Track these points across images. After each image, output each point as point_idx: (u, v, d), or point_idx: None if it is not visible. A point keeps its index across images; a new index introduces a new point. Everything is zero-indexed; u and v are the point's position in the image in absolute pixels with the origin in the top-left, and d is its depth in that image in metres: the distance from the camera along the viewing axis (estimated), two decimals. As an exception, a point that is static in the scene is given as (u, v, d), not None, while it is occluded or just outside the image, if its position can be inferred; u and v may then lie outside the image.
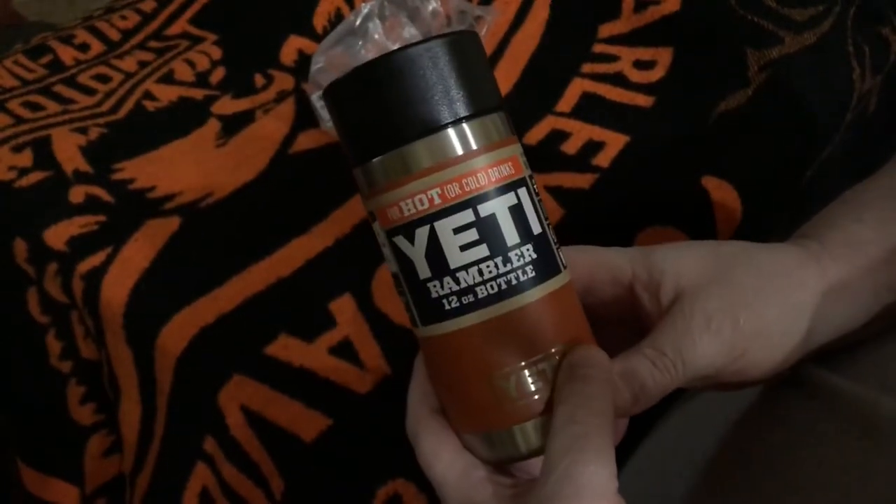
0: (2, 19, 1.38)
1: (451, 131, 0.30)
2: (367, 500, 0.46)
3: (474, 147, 0.30)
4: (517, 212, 0.30)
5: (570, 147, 0.58)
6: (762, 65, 0.59)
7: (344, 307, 0.50)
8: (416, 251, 0.31)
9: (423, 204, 0.30)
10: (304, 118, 0.61)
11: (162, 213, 0.56)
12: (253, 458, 0.48)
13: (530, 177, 0.32)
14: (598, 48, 0.65)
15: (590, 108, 0.61)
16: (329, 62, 0.59)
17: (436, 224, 0.30)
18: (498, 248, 0.30)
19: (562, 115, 0.61)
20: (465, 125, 0.31)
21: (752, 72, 0.60)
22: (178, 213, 0.56)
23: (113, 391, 0.56)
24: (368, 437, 0.47)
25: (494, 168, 0.30)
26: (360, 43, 0.60)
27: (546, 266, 0.31)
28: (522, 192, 0.31)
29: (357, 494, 0.46)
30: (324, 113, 0.59)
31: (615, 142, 0.58)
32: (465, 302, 0.30)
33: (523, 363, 0.30)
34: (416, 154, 0.30)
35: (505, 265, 0.30)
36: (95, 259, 0.54)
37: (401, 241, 0.31)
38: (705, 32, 0.63)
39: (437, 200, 0.30)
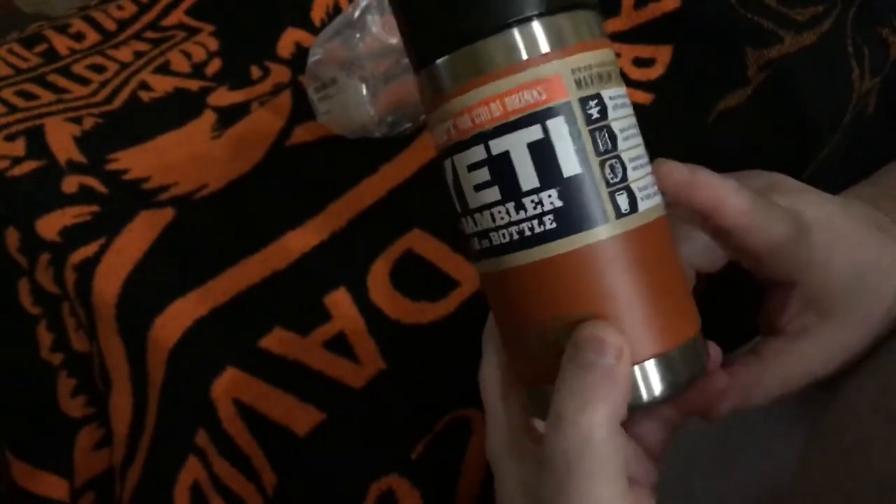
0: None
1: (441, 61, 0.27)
2: (361, 495, 0.45)
3: (480, 73, 0.26)
4: (540, 149, 0.26)
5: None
6: (761, 64, 0.59)
7: (339, 301, 0.50)
8: (448, 182, 0.28)
9: (444, 136, 0.28)
10: (301, 111, 0.61)
11: (156, 204, 0.56)
12: (245, 452, 0.48)
13: (588, 98, 0.26)
14: None
15: None
16: (326, 55, 0.58)
17: (453, 158, 0.27)
18: (510, 192, 0.26)
19: None
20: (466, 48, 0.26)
21: (752, 71, 0.60)
22: (173, 205, 0.56)
23: (104, 384, 0.56)
24: (362, 432, 0.47)
25: (513, 96, 0.26)
26: (357, 36, 0.60)
27: (578, 216, 0.26)
28: (555, 122, 0.26)
29: (350, 490, 0.46)
30: (320, 106, 0.58)
31: None
32: (484, 246, 0.28)
33: (544, 321, 0.27)
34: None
35: (518, 212, 0.26)
36: (88, 250, 0.54)
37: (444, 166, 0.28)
38: (705, 31, 0.62)
39: (452, 133, 0.27)
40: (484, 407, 0.31)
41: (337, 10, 0.67)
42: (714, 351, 0.32)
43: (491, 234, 0.27)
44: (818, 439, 0.34)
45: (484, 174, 0.26)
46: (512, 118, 0.26)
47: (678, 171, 0.29)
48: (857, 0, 0.63)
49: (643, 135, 0.29)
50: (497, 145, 0.26)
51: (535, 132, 0.26)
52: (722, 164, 0.55)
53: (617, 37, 0.65)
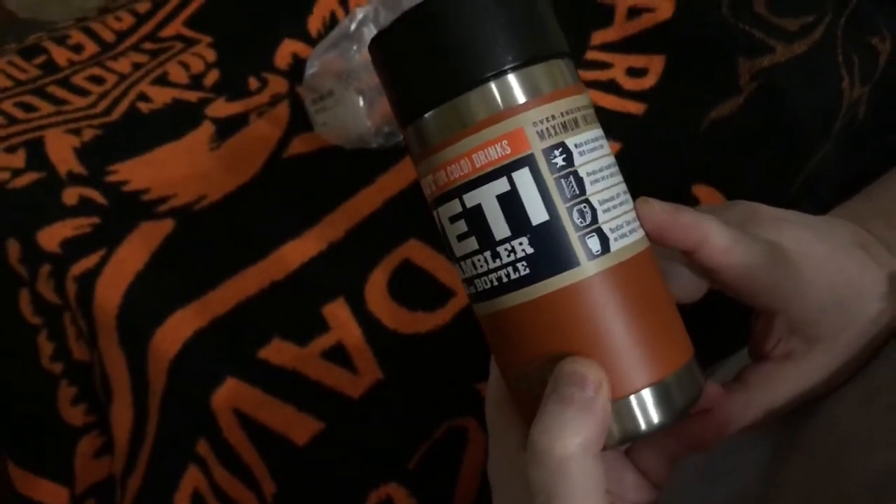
0: (-6, 17, 1.38)
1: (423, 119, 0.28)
2: (360, 503, 0.46)
3: (449, 133, 0.28)
4: (509, 200, 0.27)
5: (564, 154, 0.59)
6: (753, 73, 0.60)
7: (337, 311, 0.51)
8: (439, 230, 0.30)
9: (429, 188, 0.29)
10: (299, 121, 0.61)
11: (156, 215, 0.57)
12: (245, 461, 0.48)
13: (551, 148, 0.27)
14: (591, 55, 0.65)
15: None
16: (323, 67, 0.59)
17: (438, 210, 0.29)
18: (486, 241, 0.28)
19: None
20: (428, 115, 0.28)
21: (744, 80, 0.60)
22: (172, 216, 0.56)
23: (105, 393, 0.56)
24: (360, 442, 0.47)
25: (479, 152, 0.27)
26: (354, 47, 0.61)
27: (549, 261, 0.27)
28: (520, 174, 0.27)
29: (349, 498, 0.46)
30: (317, 117, 0.59)
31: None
32: (471, 291, 0.29)
33: (529, 361, 0.28)
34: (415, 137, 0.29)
35: (494, 260, 0.28)
36: (89, 261, 0.54)
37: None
38: (697, 40, 0.63)
39: (433, 187, 0.29)
40: (487, 424, 0.32)
41: (333, 21, 0.68)
42: (713, 388, 0.33)
43: (475, 281, 0.29)
44: (798, 448, 0.35)
45: (462, 226, 0.28)
46: (481, 173, 0.27)
47: (660, 212, 0.30)
48: (847, 9, 0.64)
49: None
50: (470, 198, 0.27)
51: (502, 185, 0.27)
52: (714, 172, 0.56)
53: (610, 47, 0.65)
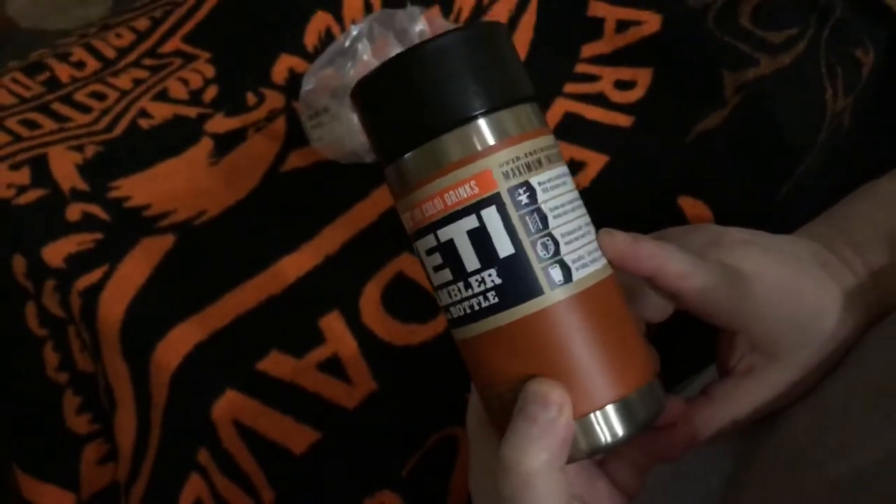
0: (-4, 26, 1.39)
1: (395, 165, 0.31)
2: (355, 511, 0.48)
3: (424, 174, 0.30)
4: (478, 235, 0.29)
5: (552, 166, 0.60)
6: (738, 86, 0.61)
7: (332, 324, 0.52)
8: (419, 262, 0.32)
9: (408, 223, 0.32)
10: (295, 137, 0.63)
11: (157, 230, 0.58)
12: (244, 470, 0.50)
13: (516, 187, 0.30)
14: (581, 68, 0.67)
15: (572, 128, 0.63)
16: (319, 84, 0.61)
17: (416, 243, 0.32)
18: (458, 273, 0.30)
19: None
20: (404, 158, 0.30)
21: (729, 93, 0.62)
22: (173, 231, 0.58)
23: (109, 403, 0.58)
24: (356, 450, 0.49)
25: (451, 192, 0.30)
26: (349, 64, 0.62)
27: (515, 290, 0.29)
28: (488, 212, 0.29)
29: (345, 505, 0.48)
30: (313, 133, 0.61)
31: (595, 162, 0.60)
32: (448, 318, 0.32)
33: (499, 383, 0.31)
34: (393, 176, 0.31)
35: (466, 290, 0.30)
36: (93, 276, 0.56)
37: None
38: (683, 54, 0.64)
39: (411, 223, 0.31)
40: (468, 439, 0.34)
41: (329, 36, 0.69)
42: (678, 403, 0.35)
43: (451, 309, 0.31)
44: (757, 458, 0.36)
45: (438, 258, 0.30)
46: (452, 210, 0.30)
47: (620, 242, 0.32)
48: (831, 22, 0.65)
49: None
50: (443, 234, 0.30)
51: (471, 221, 0.29)
52: (700, 183, 0.58)
53: (599, 59, 0.67)
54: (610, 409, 0.30)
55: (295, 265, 0.55)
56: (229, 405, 0.50)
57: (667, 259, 0.33)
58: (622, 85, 0.65)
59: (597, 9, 0.69)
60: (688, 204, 0.56)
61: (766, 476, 0.35)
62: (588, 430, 0.30)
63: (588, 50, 0.68)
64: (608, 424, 0.30)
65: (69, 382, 0.62)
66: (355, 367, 0.51)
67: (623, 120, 0.63)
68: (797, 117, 0.61)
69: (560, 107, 0.65)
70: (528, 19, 0.70)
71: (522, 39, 0.69)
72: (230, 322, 0.53)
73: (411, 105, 0.30)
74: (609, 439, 0.30)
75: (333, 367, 0.51)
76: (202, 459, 0.51)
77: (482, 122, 0.30)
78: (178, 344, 0.52)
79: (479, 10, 0.70)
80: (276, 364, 0.51)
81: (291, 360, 0.51)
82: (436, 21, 0.67)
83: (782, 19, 0.64)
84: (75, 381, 0.62)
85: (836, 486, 0.30)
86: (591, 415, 0.30)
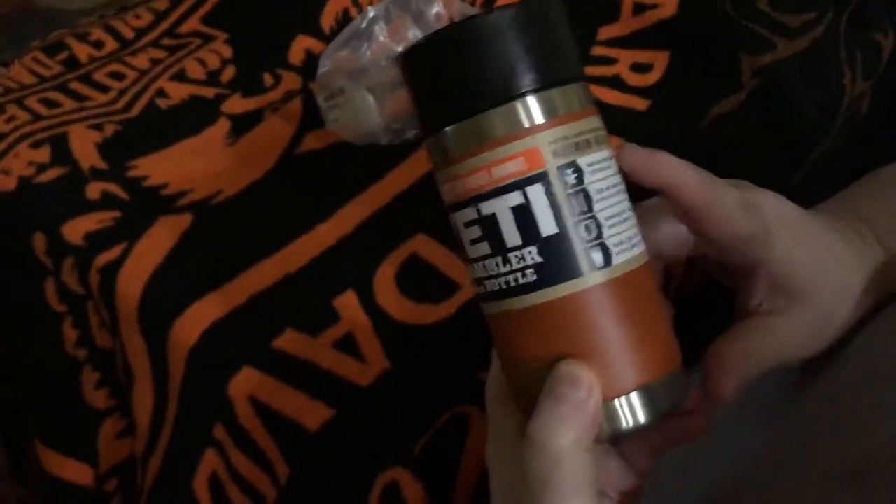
0: (15, 5, 1.40)
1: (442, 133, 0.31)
2: (367, 486, 0.48)
3: (471, 146, 0.30)
4: (522, 212, 0.30)
5: (568, 149, 0.60)
6: (755, 70, 0.61)
7: (347, 303, 0.53)
8: (454, 233, 0.32)
9: (448, 195, 0.32)
10: (311, 118, 0.63)
11: (174, 209, 0.59)
12: (260, 445, 0.51)
13: (564, 166, 0.30)
14: (598, 50, 0.67)
15: None
16: (335, 65, 0.61)
17: (454, 215, 0.32)
18: (497, 247, 0.30)
19: None
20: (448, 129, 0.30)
21: (745, 77, 0.61)
22: (190, 210, 0.59)
23: (126, 379, 0.59)
24: (369, 428, 0.50)
25: (497, 166, 0.30)
26: (364, 46, 0.62)
27: (556, 270, 0.30)
28: (534, 189, 0.29)
29: (357, 481, 0.49)
30: (329, 114, 0.61)
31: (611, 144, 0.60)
32: (480, 291, 0.32)
33: (529, 360, 0.31)
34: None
35: (504, 265, 0.30)
36: (111, 254, 0.57)
37: None
38: (700, 37, 0.64)
39: (452, 194, 0.31)
40: (487, 412, 0.34)
41: (346, 17, 0.70)
42: (693, 392, 0.35)
43: (485, 282, 0.31)
44: (796, 418, 0.36)
45: (476, 231, 0.30)
46: (498, 185, 0.30)
47: (638, 153, 0.33)
48: (850, 5, 0.64)
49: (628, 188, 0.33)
50: (486, 207, 0.30)
51: (516, 197, 0.30)
52: (715, 167, 0.57)
53: (615, 42, 0.67)
54: (634, 395, 0.31)
55: (310, 245, 0.56)
56: (245, 382, 0.50)
57: (683, 171, 0.33)
58: (638, 68, 0.65)
59: (614, -9, 0.69)
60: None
61: (780, 457, 0.35)
62: (612, 414, 0.31)
63: (605, 32, 0.67)
64: (632, 410, 0.31)
65: (88, 358, 0.63)
66: (369, 346, 0.51)
67: (639, 103, 0.63)
68: (814, 102, 0.61)
69: (577, 90, 0.65)
70: (545, 1, 0.70)
71: (539, 22, 0.69)
72: (247, 300, 0.53)
73: (464, 76, 0.30)
74: (631, 425, 0.31)
75: (348, 345, 0.51)
76: (218, 435, 0.52)
77: (534, 99, 0.30)
78: (195, 321, 0.53)
79: (496, -9, 0.70)
80: (291, 342, 0.51)
81: (306, 338, 0.51)
82: (453, 4, 0.67)
83: (800, 3, 0.64)
84: (94, 357, 0.63)
85: (846, 472, 0.30)
86: (616, 400, 0.31)
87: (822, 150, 0.63)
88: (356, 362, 0.51)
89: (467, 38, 0.30)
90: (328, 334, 0.52)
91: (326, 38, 0.68)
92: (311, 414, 0.50)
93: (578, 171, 0.30)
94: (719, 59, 0.62)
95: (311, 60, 0.67)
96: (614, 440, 0.33)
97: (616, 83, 0.64)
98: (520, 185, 0.30)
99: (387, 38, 0.64)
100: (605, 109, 0.63)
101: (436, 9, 0.65)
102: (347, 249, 0.55)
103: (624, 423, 0.31)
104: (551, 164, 0.30)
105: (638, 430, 0.31)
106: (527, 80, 0.30)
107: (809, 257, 0.35)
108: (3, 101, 0.66)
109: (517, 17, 0.30)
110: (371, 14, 0.64)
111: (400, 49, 0.64)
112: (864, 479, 0.30)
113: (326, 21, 0.69)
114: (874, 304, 0.37)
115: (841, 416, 0.33)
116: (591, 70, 0.65)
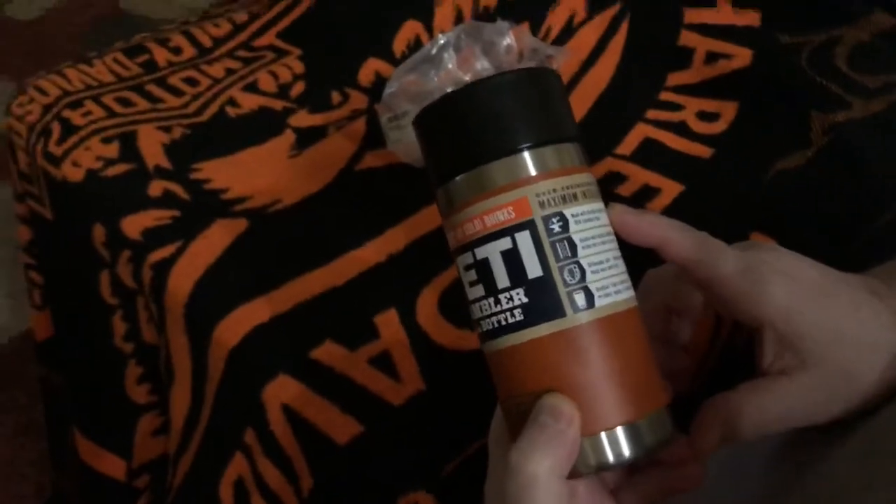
0: (108, 14, 1.47)
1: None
2: (389, 506, 0.48)
3: (469, 196, 0.33)
4: (510, 256, 0.32)
5: (626, 190, 0.60)
6: (826, 128, 0.60)
7: (388, 321, 0.53)
8: (458, 276, 0.34)
9: (452, 240, 0.34)
10: (373, 137, 0.64)
11: (231, 214, 0.60)
12: (287, 454, 0.51)
13: (550, 216, 0.32)
14: (665, 96, 0.66)
15: (649, 154, 0.62)
16: (402, 88, 0.62)
17: (457, 259, 0.34)
18: (490, 289, 0.32)
19: (621, 157, 0.62)
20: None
21: (815, 134, 0.60)
22: (247, 216, 0.60)
23: (167, 375, 0.60)
24: (396, 447, 0.49)
25: (490, 215, 0.32)
26: (433, 71, 0.63)
27: (540, 310, 0.32)
28: (522, 236, 0.32)
29: (379, 500, 0.48)
30: (391, 134, 0.62)
31: (670, 189, 0.60)
32: (478, 331, 0.34)
33: (520, 395, 0.33)
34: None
35: (496, 305, 0.32)
36: (166, 251, 0.58)
37: None
38: (773, 90, 0.63)
39: (454, 240, 0.34)
40: (489, 453, 0.35)
41: (418, 43, 0.71)
42: (685, 443, 0.35)
43: (481, 322, 0.33)
44: (793, 492, 0.35)
45: (473, 274, 0.33)
46: (490, 231, 0.32)
47: (628, 214, 0.34)
48: (931, 70, 0.63)
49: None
50: (480, 252, 0.32)
51: (506, 243, 0.32)
52: (774, 222, 0.56)
53: (684, 89, 0.66)
54: (619, 430, 0.32)
55: (359, 260, 0.56)
56: (280, 388, 0.51)
57: (672, 231, 0.34)
58: (705, 116, 0.64)
59: (688, 38, 0.68)
60: (759, 240, 0.55)
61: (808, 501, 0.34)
62: (597, 447, 0.32)
63: (674, 79, 0.67)
64: (616, 445, 0.32)
65: (133, 352, 0.64)
66: (405, 366, 0.51)
67: (703, 151, 0.62)
68: (886, 166, 0.59)
69: (640, 132, 0.64)
70: (618, 42, 0.70)
71: (608, 63, 0.69)
72: (291, 308, 0.54)
73: (465, 134, 0.33)
74: (615, 458, 0.32)
75: (384, 363, 0.51)
76: (248, 439, 0.52)
77: (526, 155, 0.32)
78: (239, 323, 0.53)
79: (569, 29, 0.71)
80: (329, 354, 0.52)
81: (344, 351, 0.52)
82: (524, 38, 0.67)
83: (880, 64, 0.63)
84: (139, 351, 0.64)
85: None
86: (602, 434, 0.32)
87: (887, 218, 0.61)
88: (391, 381, 0.51)
89: (471, 99, 0.33)
90: (366, 350, 0.52)
91: (397, 62, 0.69)
92: (341, 427, 0.50)
93: (564, 221, 0.32)
94: (790, 114, 0.61)
95: (380, 82, 0.68)
96: (599, 472, 0.34)
97: (681, 129, 0.64)
98: (509, 231, 0.32)
99: (455, 67, 0.65)
100: (668, 155, 0.63)
101: (507, 41, 0.66)
102: (394, 268, 0.55)
103: (608, 457, 0.32)
104: (538, 214, 0.32)
105: (622, 464, 0.32)
106: (520, 137, 0.32)
107: (821, 316, 0.34)
108: (82, 97, 0.69)
109: (517, 82, 0.33)
110: (441, 41, 0.65)
111: (468, 78, 0.64)
112: None
113: (398, 45, 0.70)
114: None
115: (877, 474, 0.31)
116: (656, 114, 0.65)
